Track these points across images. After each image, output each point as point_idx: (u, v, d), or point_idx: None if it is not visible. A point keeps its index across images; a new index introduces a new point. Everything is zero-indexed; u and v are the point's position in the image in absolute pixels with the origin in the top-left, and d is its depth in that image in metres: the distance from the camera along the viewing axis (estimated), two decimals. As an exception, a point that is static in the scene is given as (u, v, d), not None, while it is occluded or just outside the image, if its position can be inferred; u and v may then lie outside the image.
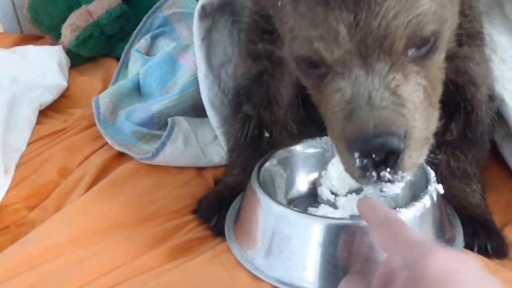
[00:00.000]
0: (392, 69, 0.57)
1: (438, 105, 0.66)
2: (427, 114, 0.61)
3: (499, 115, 0.94)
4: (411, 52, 0.58)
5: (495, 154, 0.97)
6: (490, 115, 0.90)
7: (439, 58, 0.64)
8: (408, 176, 0.59)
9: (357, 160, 0.57)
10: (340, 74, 0.59)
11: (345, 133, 0.59)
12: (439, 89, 0.66)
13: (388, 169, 0.57)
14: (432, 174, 0.77)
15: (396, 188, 0.59)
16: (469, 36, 0.86)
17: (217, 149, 1.05)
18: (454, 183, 0.88)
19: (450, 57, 0.83)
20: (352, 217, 0.77)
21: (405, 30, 0.55)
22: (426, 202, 0.71)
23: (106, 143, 1.09)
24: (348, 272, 0.67)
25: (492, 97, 0.92)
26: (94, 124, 1.12)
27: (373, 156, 0.57)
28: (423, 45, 0.58)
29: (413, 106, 0.58)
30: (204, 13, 0.99)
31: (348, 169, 0.62)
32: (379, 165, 0.57)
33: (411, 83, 0.58)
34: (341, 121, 0.59)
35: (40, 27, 1.55)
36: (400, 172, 0.58)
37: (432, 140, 0.63)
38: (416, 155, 0.59)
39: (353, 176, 0.61)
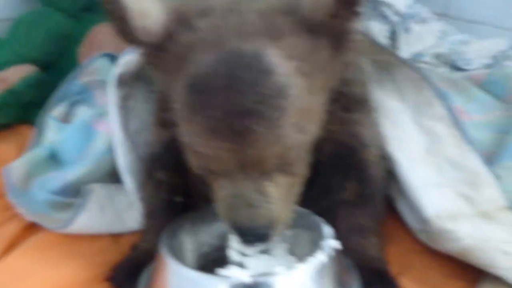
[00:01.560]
0: (263, 177, 0.72)
1: (301, 185, 0.82)
2: (290, 198, 0.79)
3: (392, 173, 1.03)
4: (279, 167, 0.72)
5: (392, 208, 1.04)
6: (382, 174, 1.00)
7: (304, 160, 0.78)
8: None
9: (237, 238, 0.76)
10: (224, 177, 0.73)
11: (227, 219, 0.74)
12: (304, 172, 0.81)
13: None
14: (328, 230, 0.84)
15: None
16: (357, 104, 0.97)
17: (134, 214, 1.07)
18: (352, 238, 0.94)
19: (342, 122, 0.93)
20: (257, 276, 0.82)
21: (272, 157, 0.70)
22: (321, 257, 0.77)
23: (18, 213, 1.08)
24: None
25: (384, 157, 1.02)
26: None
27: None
28: (289, 162, 0.73)
29: (279, 202, 0.74)
30: (121, 82, 1.03)
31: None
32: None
33: (277, 185, 0.73)
34: (225, 210, 0.74)
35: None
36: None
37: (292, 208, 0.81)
38: (282, 228, 0.77)
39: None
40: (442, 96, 1.07)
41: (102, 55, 1.38)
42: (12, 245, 0.99)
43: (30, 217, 1.05)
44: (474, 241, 0.86)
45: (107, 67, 1.34)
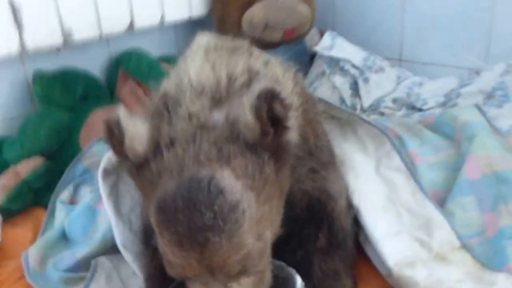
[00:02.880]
0: (230, 280, 0.82)
1: (269, 275, 0.91)
2: None
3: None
4: (243, 271, 0.82)
5: (362, 251, 1.16)
6: (349, 222, 1.12)
7: (265, 260, 0.87)
8: None
9: None
10: (197, 279, 0.83)
11: None
12: (268, 268, 0.90)
13: None
14: (299, 281, 0.96)
15: None
16: (322, 164, 1.11)
17: (137, 281, 1.20)
18: (327, 281, 1.05)
19: (312, 181, 1.07)
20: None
21: (237, 264, 0.80)
22: (292, 308, 0.89)
23: (37, 293, 1.22)
24: None
25: (351, 207, 1.15)
26: (25, 276, 1.25)
27: None
28: (251, 267, 0.82)
29: None
30: (107, 173, 1.19)
31: None
32: None
33: (243, 285, 0.83)
34: None
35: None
36: None
37: None
38: None
39: None
40: (398, 149, 1.20)
41: (99, 138, 1.55)
42: (32, 322, 1.13)
43: (47, 295, 1.19)
44: (429, 284, 0.96)
45: (104, 149, 1.50)
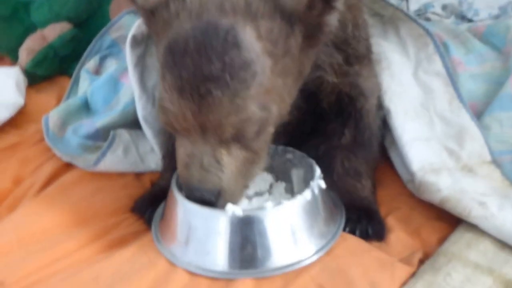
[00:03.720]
0: (221, 145, 0.79)
1: (263, 162, 0.87)
2: (246, 173, 0.83)
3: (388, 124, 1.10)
4: (236, 138, 0.78)
5: (386, 156, 1.12)
6: (377, 122, 1.07)
7: (264, 136, 0.83)
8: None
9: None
10: (186, 136, 0.80)
11: (181, 175, 0.83)
12: (264, 152, 0.86)
13: None
14: (317, 172, 0.93)
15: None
16: (358, 58, 1.03)
17: (154, 157, 1.20)
18: (347, 179, 1.04)
19: (344, 75, 1.01)
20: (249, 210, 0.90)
21: (232, 128, 0.76)
22: (307, 195, 0.87)
23: (55, 155, 1.23)
24: (243, 254, 0.84)
25: (381, 107, 1.09)
26: (46, 138, 1.26)
27: None
28: (247, 136, 0.79)
29: (230, 172, 0.80)
30: (136, 42, 1.14)
31: None
32: None
33: (233, 156, 0.80)
34: (180, 167, 0.82)
35: (-1, 49, 1.69)
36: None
37: (249, 185, 0.90)
38: (229, 199, 0.83)
39: None
40: (441, 53, 1.11)
41: (128, 11, 1.48)
42: (51, 180, 1.15)
43: (65, 158, 1.20)
44: (452, 193, 0.93)
45: (133, 22, 1.44)
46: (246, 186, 0.88)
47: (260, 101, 0.77)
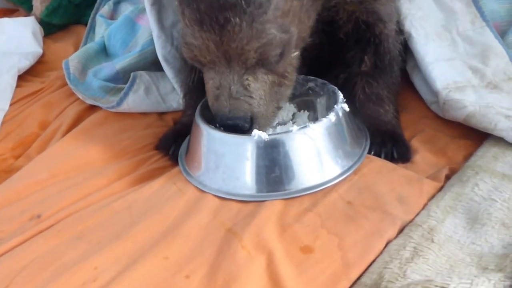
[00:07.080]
0: (247, 72, 0.80)
1: (291, 83, 0.88)
2: (275, 96, 0.85)
3: (409, 49, 1.09)
4: (261, 63, 0.79)
5: (409, 81, 1.12)
6: (397, 47, 1.06)
7: (288, 59, 0.83)
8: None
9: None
10: (212, 68, 0.81)
11: (213, 107, 0.84)
12: (291, 75, 0.87)
13: None
14: (340, 96, 0.93)
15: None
16: None
17: (175, 96, 1.21)
18: (369, 105, 1.03)
19: (360, 1, 0.99)
20: (275, 134, 0.90)
21: (254, 53, 0.77)
22: (331, 118, 0.88)
23: (79, 98, 1.25)
24: (271, 177, 0.85)
25: (401, 32, 1.07)
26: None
27: None
28: (271, 59, 0.79)
29: (259, 97, 0.82)
30: (152, -19, 1.12)
31: None
32: None
33: (260, 81, 0.82)
34: (211, 100, 0.84)
35: (13, 0, 1.68)
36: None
37: (282, 106, 0.89)
38: (263, 123, 0.85)
39: None
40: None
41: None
42: (76, 122, 1.17)
43: (88, 100, 1.21)
44: (478, 108, 0.92)
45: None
46: (278, 108, 0.89)
47: (278, 24, 0.78)
